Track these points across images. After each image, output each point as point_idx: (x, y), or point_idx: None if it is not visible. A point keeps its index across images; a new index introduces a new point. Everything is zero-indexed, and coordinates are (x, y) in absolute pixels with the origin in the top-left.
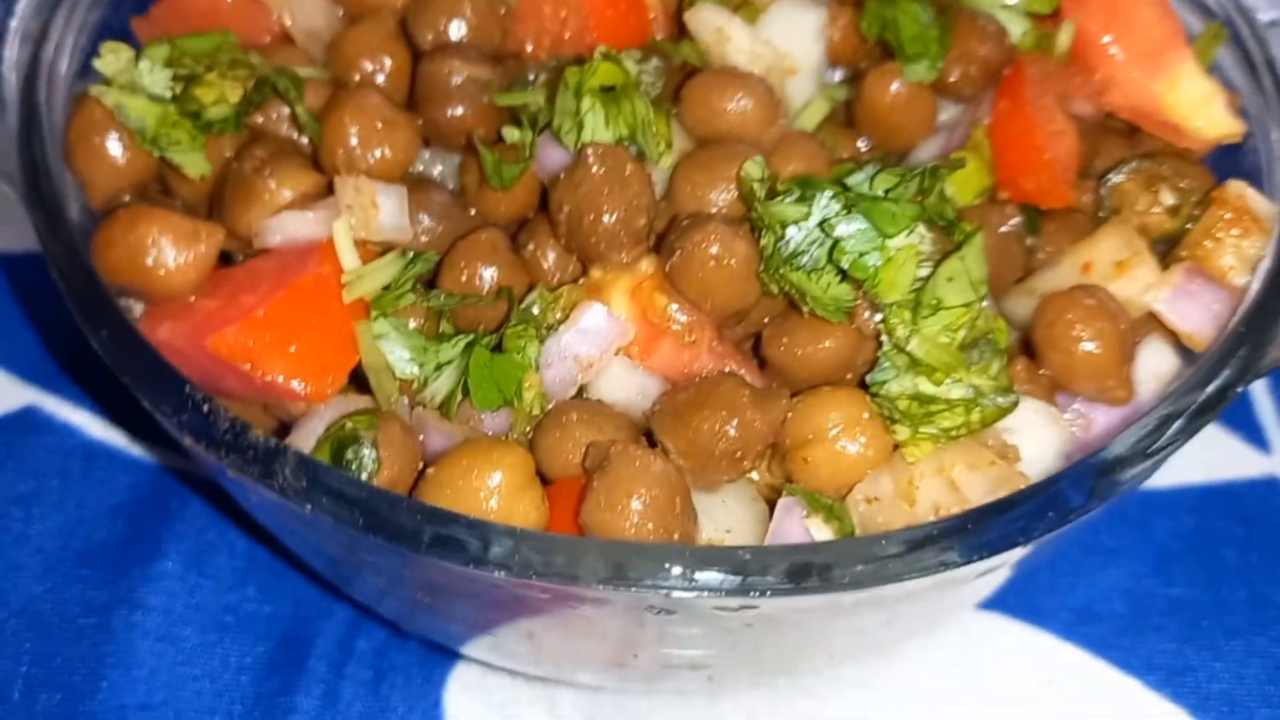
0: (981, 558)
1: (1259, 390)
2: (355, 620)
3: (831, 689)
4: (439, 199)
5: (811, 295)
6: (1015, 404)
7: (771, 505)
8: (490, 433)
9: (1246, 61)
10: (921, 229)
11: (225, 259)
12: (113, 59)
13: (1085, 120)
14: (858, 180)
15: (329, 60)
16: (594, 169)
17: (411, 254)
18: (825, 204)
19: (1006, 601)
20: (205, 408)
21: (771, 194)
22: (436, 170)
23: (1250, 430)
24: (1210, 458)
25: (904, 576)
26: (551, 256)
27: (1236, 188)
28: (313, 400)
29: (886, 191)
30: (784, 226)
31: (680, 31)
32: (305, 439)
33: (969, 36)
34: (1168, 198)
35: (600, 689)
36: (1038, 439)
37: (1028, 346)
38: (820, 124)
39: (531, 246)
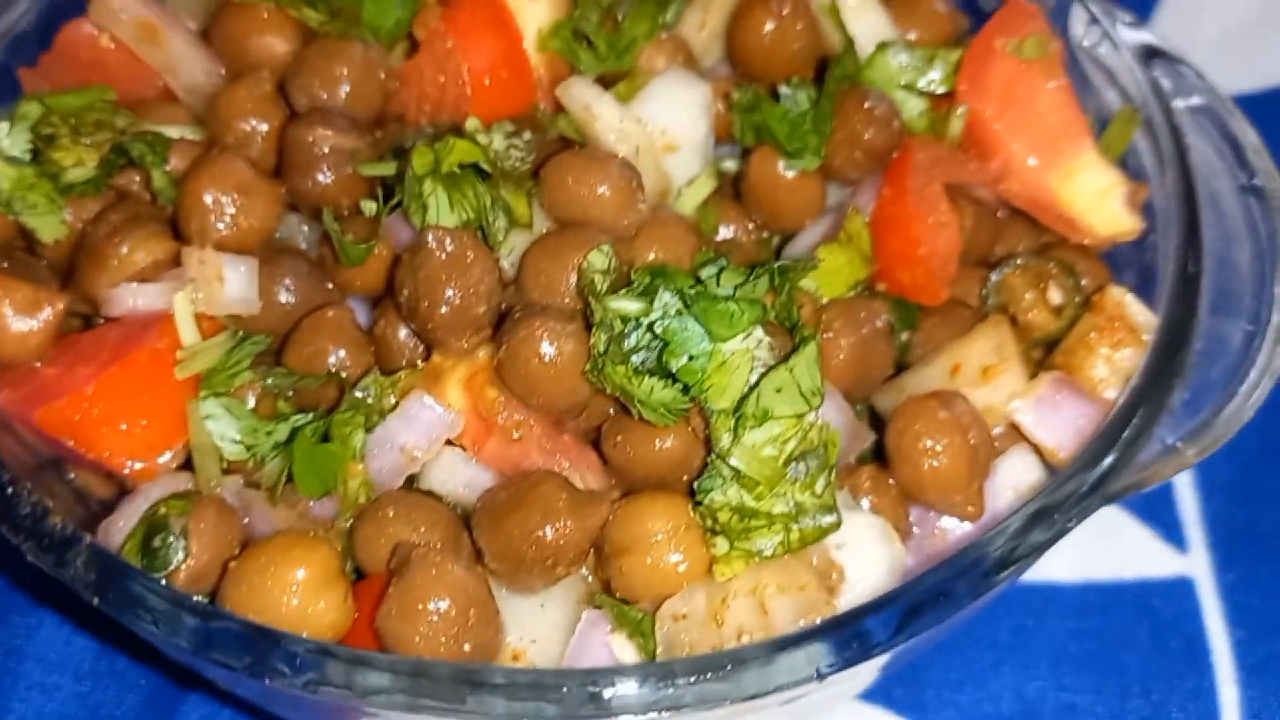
0: (778, 689)
1: (1182, 483)
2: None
3: None
4: (298, 269)
5: (638, 399)
6: (837, 524)
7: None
8: (316, 518)
9: (1157, 151)
10: (759, 333)
11: (86, 322)
12: None
13: (986, 204)
14: (708, 274)
15: (206, 119)
16: (434, 252)
17: (242, 334)
18: (665, 301)
19: (891, 695)
20: (10, 491)
21: (620, 285)
22: (301, 237)
23: (1168, 526)
24: (1121, 551)
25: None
26: (401, 335)
27: (1116, 295)
28: (138, 479)
29: (735, 288)
30: (622, 323)
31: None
32: (128, 518)
33: (856, 120)
34: (1055, 296)
35: None
36: (868, 557)
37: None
38: (707, 200)
39: (382, 324)
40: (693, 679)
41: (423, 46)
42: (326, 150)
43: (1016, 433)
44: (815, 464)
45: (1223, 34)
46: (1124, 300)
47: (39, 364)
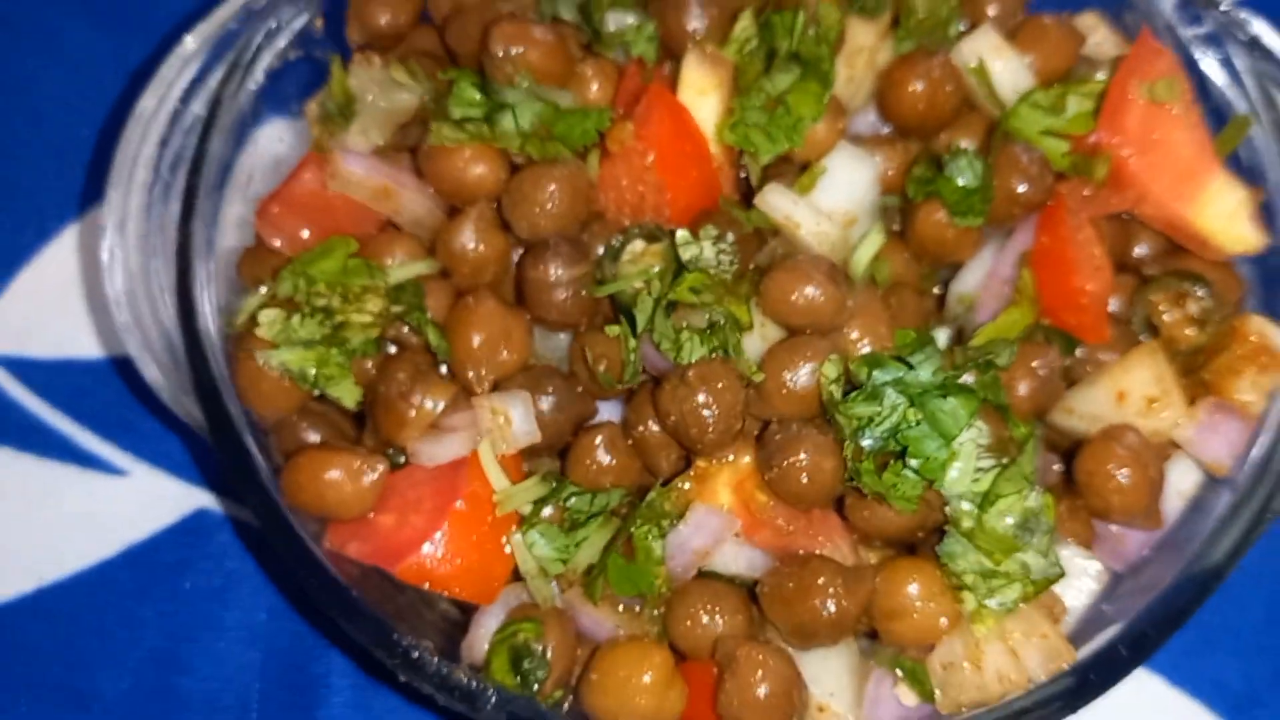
0: None
1: None
2: None
3: None
4: (556, 386)
5: (888, 495)
6: (1062, 574)
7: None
8: (628, 609)
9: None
10: (979, 424)
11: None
12: (269, 323)
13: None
14: (920, 360)
15: (437, 252)
16: (696, 387)
17: (551, 479)
18: (893, 402)
19: None
20: (415, 655)
21: (846, 388)
22: (546, 350)
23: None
24: None
25: None
26: (658, 433)
27: (1258, 324)
28: (482, 602)
29: (946, 378)
30: (860, 426)
31: (747, 190)
32: (481, 637)
33: (1011, 174)
34: (1194, 309)
35: None
36: (1077, 587)
37: (1068, 460)
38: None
39: (640, 430)
40: None
41: (618, 159)
42: (560, 280)
43: (1173, 446)
44: (1040, 527)
45: None
46: (1266, 330)
47: (372, 515)
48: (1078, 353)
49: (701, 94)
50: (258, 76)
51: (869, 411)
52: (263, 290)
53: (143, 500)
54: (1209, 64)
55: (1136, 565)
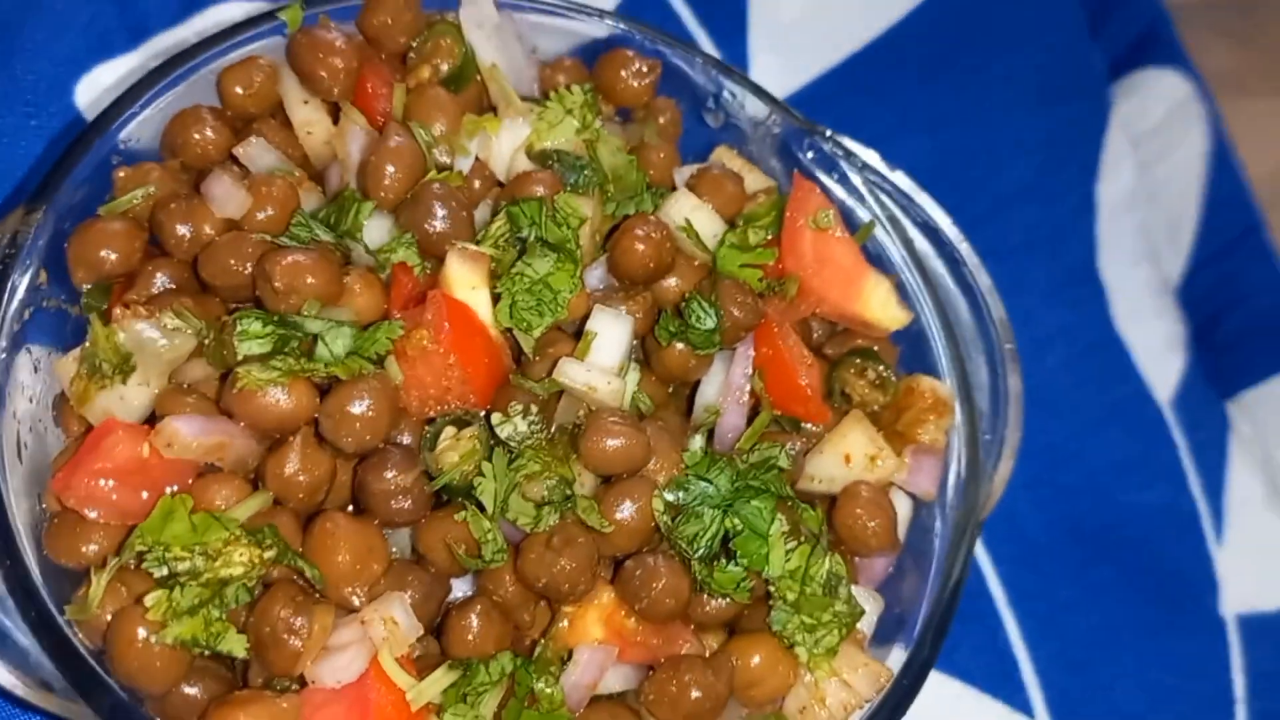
0: None
1: (1022, 654)
2: None
3: None
4: (415, 578)
5: (724, 587)
6: (863, 612)
7: None
8: None
9: (891, 238)
10: (780, 517)
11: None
12: (156, 605)
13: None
14: (715, 476)
15: (267, 483)
16: (561, 551)
17: (457, 664)
18: (712, 516)
19: None
20: None
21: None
22: (392, 544)
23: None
24: None
25: None
26: (516, 600)
27: (928, 383)
28: None
29: (744, 484)
30: (694, 543)
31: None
32: None
33: (731, 305)
34: (873, 377)
35: None
36: (867, 618)
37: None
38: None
39: (501, 594)
40: None
41: (418, 362)
42: (403, 488)
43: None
44: (838, 582)
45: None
46: (934, 385)
47: None
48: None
49: (472, 289)
50: (13, 328)
51: (695, 529)
52: (99, 578)
53: None
54: (826, 180)
55: (884, 582)
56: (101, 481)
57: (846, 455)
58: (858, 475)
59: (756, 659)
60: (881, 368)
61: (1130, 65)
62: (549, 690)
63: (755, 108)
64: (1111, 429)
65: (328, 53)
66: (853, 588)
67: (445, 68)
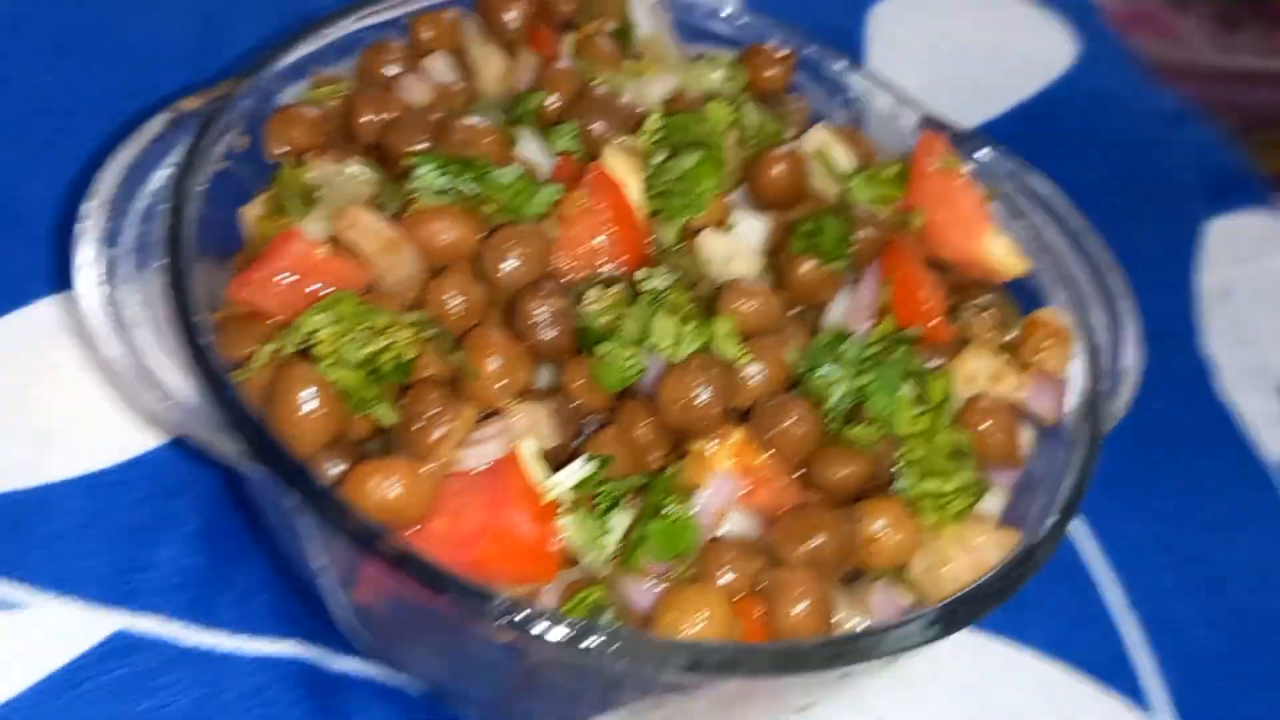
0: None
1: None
2: None
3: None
4: (555, 402)
5: (858, 441)
6: (989, 486)
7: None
8: (659, 574)
9: (1006, 210)
10: (910, 383)
11: None
12: (326, 341)
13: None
14: (849, 350)
15: (427, 305)
16: (698, 376)
17: (595, 458)
18: (842, 374)
19: None
20: (528, 613)
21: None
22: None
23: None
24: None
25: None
26: (649, 436)
27: (1047, 314)
28: (542, 581)
29: (870, 357)
30: (828, 389)
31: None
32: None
33: (861, 226)
34: (993, 317)
35: None
36: (991, 504)
37: None
38: None
39: (635, 431)
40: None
41: (575, 221)
42: (550, 314)
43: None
44: (967, 453)
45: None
46: (1054, 314)
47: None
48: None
49: (626, 174)
50: (203, 177)
51: (829, 380)
52: (266, 347)
53: (48, 631)
54: None
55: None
56: (278, 277)
57: (969, 375)
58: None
59: (881, 520)
60: (1002, 310)
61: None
62: (680, 511)
63: (882, 103)
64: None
65: (508, 1)
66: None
67: (609, 26)
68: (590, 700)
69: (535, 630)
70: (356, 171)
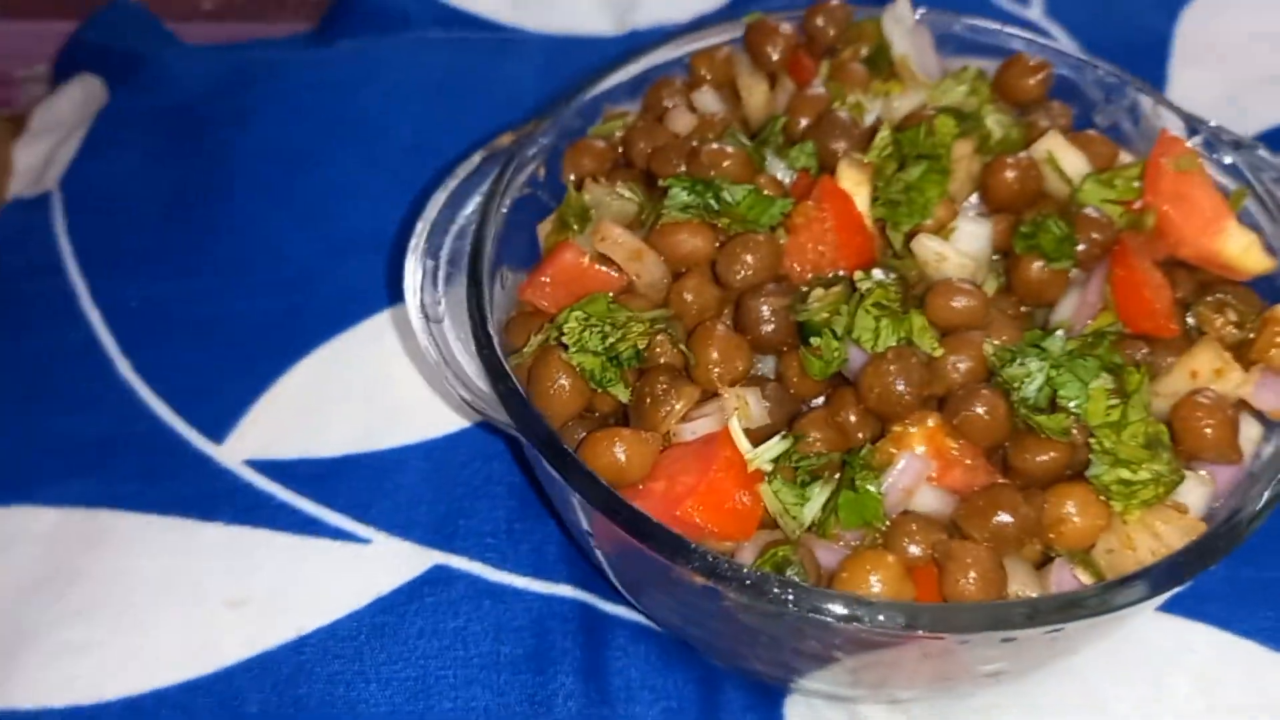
0: (1192, 575)
1: None
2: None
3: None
4: (770, 390)
5: (1046, 427)
6: (1183, 477)
7: (1033, 563)
8: (850, 542)
9: (1265, 210)
10: (1105, 375)
11: None
12: (571, 329)
13: (1165, 263)
14: (1052, 344)
15: (670, 302)
16: (892, 365)
17: (790, 436)
18: (1035, 366)
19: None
20: (710, 559)
21: (1003, 362)
22: (760, 369)
23: None
24: None
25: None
26: (854, 419)
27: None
28: (741, 539)
29: (1071, 351)
30: (1019, 385)
31: (890, 252)
32: (746, 561)
33: (1088, 229)
34: (1233, 316)
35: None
36: (1194, 495)
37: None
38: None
39: (842, 415)
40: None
41: (802, 229)
42: (770, 312)
43: (1241, 405)
44: (1160, 445)
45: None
46: None
47: (645, 483)
48: (1154, 356)
49: (857, 185)
50: (507, 201)
51: (1023, 373)
52: (536, 337)
53: (386, 562)
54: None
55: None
56: (547, 279)
57: (1193, 371)
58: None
59: (1070, 504)
60: (1240, 303)
61: None
62: (868, 483)
63: (1145, 104)
64: None
65: (770, 34)
66: (1185, 470)
67: (864, 51)
68: (805, 655)
69: (718, 573)
70: (625, 193)
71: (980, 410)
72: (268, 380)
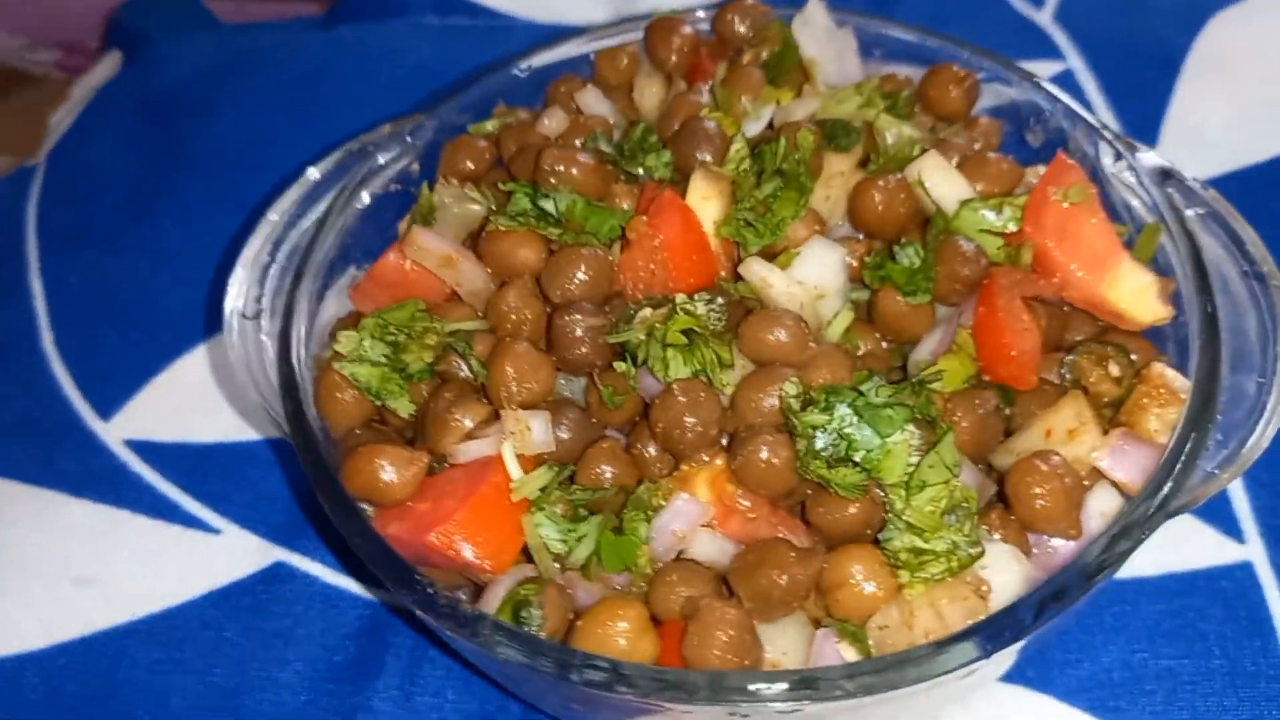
0: (958, 667)
1: (1236, 488)
2: (525, 713)
3: None
4: (572, 415)
5: (834, 483)
6: (981, 554)
7: (818, 625)
8: (618, 588)
9: (1178, 253)
10: (910, 428)
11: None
12: (346, 341)
13: (1056, 304)
14: (867, 388)
15: (488, 315)
16: (679, 398)
17: (556, 466)
18: (842, 413)
19: (1025, 675)
20: (429, 590)
21: (805, 405)
22: (569, 390)
23: (1227, 525)
24: (1193, 548)
25: (901, 684)
26: (653, 452)
27: (1159, 369)
28: (495, 572)
29: (889, 398)
30: (813, 431)
31: (737, 273)
32: (493, 599)
33: (953, 261)
34: (1114, 370)
35: None
36: (1006, 573)
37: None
38: (849, 327)
39: (639, 447)
40: (899, 665)
41: (634, 244)
42: (581, 331)
43: (1099, 474)
44: (962, 513)
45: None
46: (1164, 372)
47: (410, 503)
48: (1017, 408)
49: (705, 199)
50: (364, 198)
51: (821, 420)
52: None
53: (231, 554)
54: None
55: None
56: (374, 284)
57: (1048, 430)
58: (1053, 448)
59: (853, 568)
60: (1125, 361)
61: None
62: (635, 523)
63: (1071, 123)
64: None
65: (668, 33)
66: (998, 543)
67: (766, 54)
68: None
69: (433, 606)
70: (473, 195)
71: (758, 455)
72: (162, 364)
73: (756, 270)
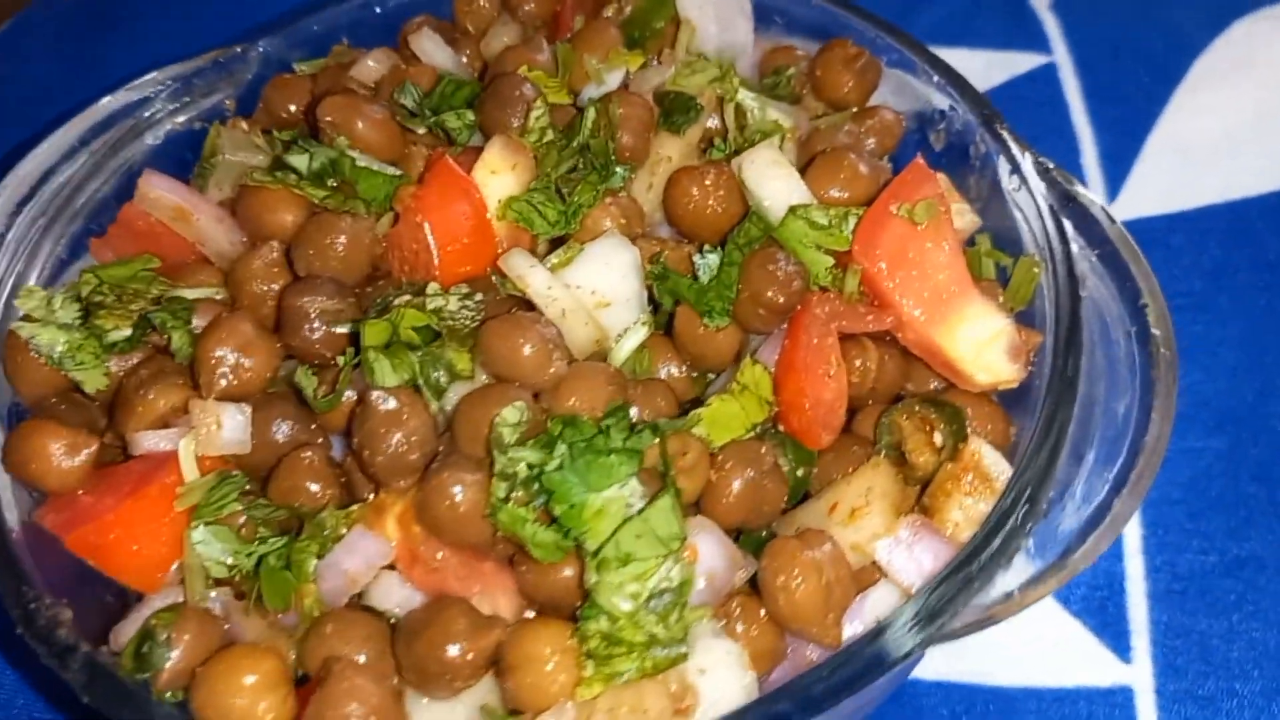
0: None
1: (1135, 590)
2: None
3: None
4: (286, 413)
5: (525, 540)
6: (684, 657)
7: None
8: (283, 627)
9: (1055, 305)
10: (634, 483)
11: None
12: (28, 299)
13: (897, 345)
14: (613, 423)
15: (227, 279)
16: (376, 409)
17: (225, 473)
18: (561, 452)
19: None
20: (33, 609)
21: (525, 438)
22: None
23: (1115, 635)
24: (1068, 657)
25: None
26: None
27: (974, 445)
28: (146, 591)
29: (624, 440)
30: (513, 472)
31: None
32: (131, 623)
33: (759, 281)
34: (938, 439)
35: None
36: (724, 682)
37: None
38: (644, 344)
39: (350, 461)
40: None
41: (401, 218)
42: (313, 313)
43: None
44: (669, 600)
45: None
46: (981, 451)
47: (80, 493)
48: (817, 470)
49: (494, 173)
50: (158, 134)
51: (534, 458)
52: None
53: None
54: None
55: None
56: (118, 234)
57: (833, 504)
58: (833, 529)
59: (534, 646)
60: (955, 429)
61: None
62: (303, 556)
63: (980, 126)
64: None
65: None
66: (726, 642)
67: (629, 10)
68: None
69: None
70: (258, 143)
71: (440, 494)
72: None
73: (515, 265)
